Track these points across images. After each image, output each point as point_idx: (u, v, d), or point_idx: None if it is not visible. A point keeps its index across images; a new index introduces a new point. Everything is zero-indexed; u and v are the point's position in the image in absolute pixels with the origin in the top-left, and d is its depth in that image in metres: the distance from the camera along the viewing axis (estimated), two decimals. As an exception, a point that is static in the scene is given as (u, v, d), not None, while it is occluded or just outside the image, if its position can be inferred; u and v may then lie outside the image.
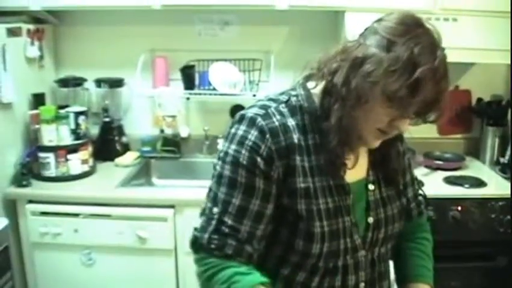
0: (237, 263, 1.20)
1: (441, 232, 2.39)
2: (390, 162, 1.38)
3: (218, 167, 1.26)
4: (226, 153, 1.25)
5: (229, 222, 1.20)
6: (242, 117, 1.27)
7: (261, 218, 1.23)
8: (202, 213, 1.26)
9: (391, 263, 1.52)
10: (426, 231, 1.58)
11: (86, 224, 2.54)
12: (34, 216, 2.56)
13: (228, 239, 1.20)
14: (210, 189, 1.27)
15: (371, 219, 1.33)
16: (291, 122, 1.26)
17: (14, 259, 2.63)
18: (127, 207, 2.54)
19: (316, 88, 1.29)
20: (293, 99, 1.30)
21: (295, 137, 1.25)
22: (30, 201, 2.58)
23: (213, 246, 1.21)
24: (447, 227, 2.55)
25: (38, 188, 2.63)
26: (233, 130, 1.27)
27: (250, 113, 1.26)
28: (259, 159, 1.21)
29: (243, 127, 1.25)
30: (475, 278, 2.70)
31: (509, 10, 2.62)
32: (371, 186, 1.35)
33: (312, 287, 1.31)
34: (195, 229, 1.26)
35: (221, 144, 1.30)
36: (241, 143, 1.23)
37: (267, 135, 1.22)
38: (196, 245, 1.24)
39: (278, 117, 1.25)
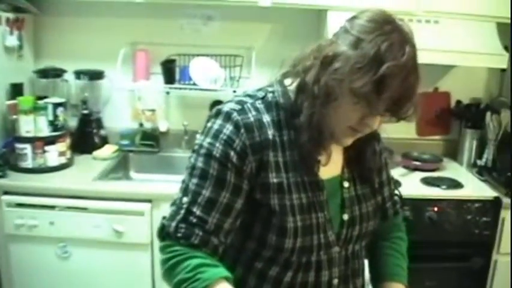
0: (202, 253, 1.20)
1: (417, 232, 2.41)
2: (365, 161, 1.38)
3: (192, 159, 1.27)
4: (200, 145, 1.26)
5: (198, 212, 1.21)
6: (218, 112, 1.28)
7: (230, 211, 1.23)
8: (173, 204, 1.27)
9: (366, 262, 1.53)
10: (401, 230, 1.59)
11: (63, 216, 2.51)
12: (10, 208, 2.52)
13: (195, 229, 1.20)
14: (183, 181, 1.28)
15: (345, 216, 1.34)
16: (266, 118, 1.27)
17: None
18: (104, 201, 2.51)
19: (292, 85, 1.30)
20: (269, 95, 1.31)
21: (270, 132, 1.26)
22: (6, 193, 2.54)
23: (179, 234, 1.21)
24: (423, 227, 2.57)
25: (14, 179, 2.60)
26: (209, 124, 1.28)
27: (226, 107, 1.27)
28: (232, 153, 1.22)
29: (218, 121, 1.26)
30: (450, 278, 2.72)
31: (497, 15, 2.66)
32: (345, 184, 1.36)
33: (285, 281, 1.31)
34: (163, 218, 1.27)
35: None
36: (216, 136, 1.24)
37: (242, 130, 1.23)
38: (163, 232, 1.24)
39: (254, 112, 1.26)
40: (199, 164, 1.24)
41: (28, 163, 2.67)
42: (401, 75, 1.10)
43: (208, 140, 1.25)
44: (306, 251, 1.28)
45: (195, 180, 1.24)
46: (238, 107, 1.27)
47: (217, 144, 1.23)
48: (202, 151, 1.25)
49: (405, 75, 1.11)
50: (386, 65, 1.09)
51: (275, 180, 1.25)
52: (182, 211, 1.22)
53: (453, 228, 2.62)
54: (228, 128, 1.24)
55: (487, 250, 2.68)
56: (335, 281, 1.35)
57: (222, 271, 1.19)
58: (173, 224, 1.22)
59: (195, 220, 1.21)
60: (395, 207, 1.55)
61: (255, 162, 1.23)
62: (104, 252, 2.56)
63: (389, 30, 1.13)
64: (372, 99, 1.12)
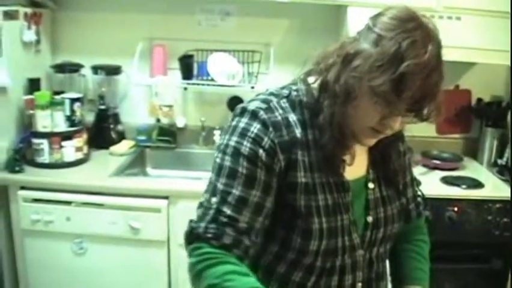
0: (234, 257, 1.15)
1: (437, 232, 2.35)
2: (390, 162, 1.36)
3: (218, 159, 1.23)
4: (226, 145, 1.23)
5: (228, 212, 1.17)
6: (244, 110, 1.25)
7: (261, 210, 1.20)
8: (200, 206, 1.23)
9: (387, 264, 1.51)
10: (423, 233, 1.56)
11: (79, 212, 2.51)
12: (26, 203, 2.52)
13: (226, 228, 1.16)
14: (210, 182, 1.24)
15: (370, 218, 1.31)
16: (292, 117, 1.25)
17: (4, 246, 2.62)
18: (120, 197, 2.50)
19: (315, 83, 1.27)
20: (294, 93, 1.29)
21: (298, 131, 1.23)
22: (23, 188, 2.54)
23: (209, 235, 1.16)
24: (443, 228, 2.53)
25: (30, 175, 2.60)
26: (234, 123, 1.25)
27: (252, 106, 1.25)
28: (261, 151, 1.19)
29: (245, 119, 1.23)
30: (469, 279, 2.68)
31: (510, 11, 2.60)
32: (370, 185, 1.33)
33: (309, 286, 1.29)
34: (191, 221, 1.22)
35: (218, 136, 1.28)
36: (243, 134, 1.21)
37: (270, 128, 1.21)
38: (192, 235, 1.19)
39: (280, 111, 1.24)
40: (227, 163, 1.20)
41: (45, 158, 2.67)
42: (422, 74, 1.06)
43: (235, 138, 1.22)
44: (330, 254, 1.26)
45: (223, 180, 1.20)
46: (264, 105, 1.24)
47: (245, 143, 1.20)
48: (229, 150, 1.21)
49: (427, 74, 1.07)
50: (406, 63, 1.05)
51: (303, 180, 1.22)
52: (212, 211, 1.18)
53: (473, 229, 2.57)
54: (256, 126, 1.21)
55: (508, 251, 2.64)
56: (359, 285, 1.33)
57: (253, 281, 1.12)
58: (203, 224, 1.17)
59: (225, 220, 1.17)
60: (418, 209, 1.52)
61: (284, 161, 1.21)
62: (120, 249, 2.55)
63: (411, 28, 1.09)
64: (391, 99, 1.08)
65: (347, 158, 1.27)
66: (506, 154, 2.96)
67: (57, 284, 2.62)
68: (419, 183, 1.59)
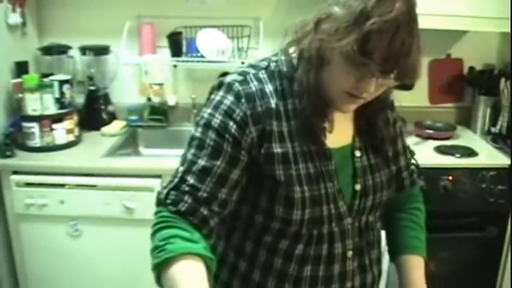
0: (187, 225, 1.18)
1: (431, 202, 2.34)
2: (377, 130, 1.34)
3: (193, 130, 1.26)
4: (201, 117, 1.25)
5: (191, 181, 1.20)
6: (221, 84, 1.26)
7: (225, 181, 1.21)
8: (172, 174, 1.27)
9: (383, 233, 1.50)
10: (418, 201, 1.55)
11: (72, 194, 2.50)
12: (19, 188, 2.51)
13: (184, 196, 1.19)
14: (183, 152, 1.27)
15: (358, 186, 1.30)
16: (269, 88, 1.24)
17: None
18: (113, 178, 2.50)
19: (295, 53, 1.26)
20: (273, 64, 1.28)
21: (273, 102, 1.23)
22: (15, 172, 2.53)
23: (168, 201, 1.20)
24: (437, 197, 2.54)
25: (22, 159, 2.58)
26: (212, 96, 1.27)
27: (228, 79, 1.25)
28: (231, 123, 1.20)
29: (220, 93, 1.24)
30: (465, 248, 2.70)
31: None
32: (357, 153, 1.32)
33: (297, 254, 1.28)
34: (162, 187, 1.26)
35: (203, 111, 1.28)
36: (216, 107, 1.23)
37: (243, 100, 1.21)
38: (157, 200, 1.25)
39: (255, 82, 1.24)
40: (197, 134, 1.23)
41: (36, 142, 2.64)
42: (388, 32, 1.03)
43: (209, 111, 1.24)
44: (316, 223, 1.25)
45: (192, 150, 1.23)
46: (240, 77, 1.25)
47: (217, 115, 1.21)
48: (202, 122, 1.24)
49: (394, 32, 1.03)
50: (372, 20, 1.02)
51: (279, 150, 1.22)
52: (176, 179, 1.22)
53: (468, 197, 2.58)
54: (229, 99, 1.21)
55: (503, 219, 2.65)
56: (349, 253, 1.32)
57: (194, 247, 1.13)
58: (165, 191, 1.22)
59: (187, 188, 1.20)
60: (412, 177, 1.51)
61: (257, 132, 1.21)
62: (115, 230, 2.55)
63: None
64: (360, 60, 1.05)
65: (326, 125, 1.26)
66: (500, 122, 2.96)
67: (54, 267, 2.62)
68: (413, 153, 1.58)
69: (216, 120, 1.21)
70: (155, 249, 1.13)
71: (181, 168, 1.23)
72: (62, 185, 2.50)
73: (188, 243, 1.14)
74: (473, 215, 2.63)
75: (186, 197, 1.19)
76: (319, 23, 1.13)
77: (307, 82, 1.19)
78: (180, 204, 1.19)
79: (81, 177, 2.50)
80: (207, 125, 1.22)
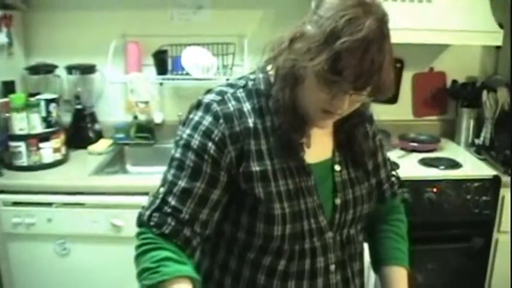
0: (173, 245, 1.20)
1: (417, 214, 2.41)
2: (356, 144, 1.36)
3: (172, 151, 1.28)
4: (180, 137, 1.26)
5: (173, 202, 1.21)
6: (199, 104, 1.27)
7: (205, 202, 1.23)
8: (153, 195, 1.28)
9: (366, 246, 1.52)
10: (400, 212, 1.56)
11: (60, 213, 2.49)
12: (6, 207, 2.50)
13: (167, 218, 1.21)
14: (164, 172, 1.28)
15: (338, 201, 1.32)
16: (246, 107, 1.26)
17: (-14, 250, 2.59)
18: (101, 196, 2.49)
19: (271, 70, 1.28)
20: (250, 83, 1.30)
21: (251, 121, 1.24)
22: (2, 192, 2.52)
23: (152, 223, 1.22)
24: (423, 209, 2.56)
25: (9, 178, 2.58)
26: (191, 116, 1.28)
27: (206, 99, 1.27)
28: (210, 143, 1.22)
29: (199, 113, 1.26)
30: (452, 259, 2.72)
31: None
32: (337, 167, 1.33)
33: (280, 270, 1.30)
34: (142, 207, 1.27)
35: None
36: (195, 127, 1.24)
37: (221, 121, 1.22)
38: (139, 221, 1.26)
39: (233, 102, 1.25)
40: (177, 155, 1.25)
41: (23, 161, 2.65)
42: (358, 50, 1.04)
43: (188, 131, 1.25)
44: (297, 238, 1.27)
45: (172, 171, 1.24)
46: (218, 97, 1.26)
47: (196, 136, 1.23)
48: (181, 142, 1.25)
49: (364, 50, 1.05)
50: (342, 40, 1.04)
51: (258, 169, 1.23)
52: (158, 200, 1.23)
53: (453, 209, 2.60)
54: (208, 119, 1.23)
55: (488, 229, 2.68)
56: (332, 267, 1.34)
57: (186, 269, 1.17)
58: (148, 212, 1.23)
59: (169, 210, 1.21)
60: (393, 189, 1.53)
61: (235, 151, 1.22)
62: (104, 247, 2.54)
63: (351, 5, 1.08)
64: (332, 78, 1.07)
65: (305, 140, 1.28)
66: (483, 133, 3.00)
67: (43, 286, 2.61)
68: (397, 167, 1.60)
69: (195, 141, 1.22)
70: (146, 271, 1.16)
71: (162, 190, 1.24)
72: (49, 204, 2.49)
73: (180, 265, 1.17)
74: (458, 226, 2.65)
75: (169, 219, 1.21)
76: (292, 42, 1.15)
77: (283, 100, 1.21)
78: (164, 226, 1.21)
79: (68, 195, 2.50)
80: (187, 146, 1.23)
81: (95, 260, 2.56)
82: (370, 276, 1.98)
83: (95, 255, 2.56)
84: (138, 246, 1.22)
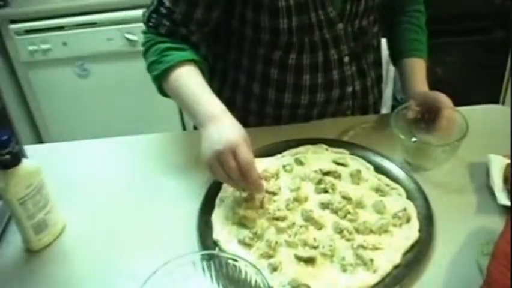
0: (172, 40, 1.24)
1: (436, 5, 2.34)
2: None
3: None
4: None
5: (167, 3, 1.22)
6: None
7: (196, 2, 1.21)
8: None
9: (383, 40, 1.50)
10: (419, 3, 1.50)
11: (74, 35, 2.49)
12: (20, 36, 2.49)
13: (163, 19, 1.24)
14: None
15: None
16: None
17: (9, 83, 2.62)
18: (112, 12, 2.47)
19: None
20: None
21: None
22: (13, 22, 2.49)
23: (150, 24, 1.26)
24: (442, 0, 2.47)
25: (18, 6, 2.52)
26: None
27: None
28: None
29: None
30: (472, 52, 2.70)
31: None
32: None
33: (291, 64, 1.31)
34: (146, 7, 1.29)
35: None
36: None
37: None
38: (143, 21, 1.29)
39: None
40: None
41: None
42: None
43: None
44: (305, 30, 1.26)
45: None
46: None
47: None
48: None
49: None
50: None
51: None
52: (156, 2, 1.25)
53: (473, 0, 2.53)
54: None
55: (509, 21, 2.61)
56: (346, 59, 1.34)
57: (187, 54, 1.21)
58: (147, 13, 1.27)
59: (164, 11, 1.23)
60: None
61: None
62: (122, 65, 2.56)
63: None
64: None
65: None
66: None
67: (69, 108, 2.69)
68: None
69: None
70: (153, 63, 1.22)
71: None
72: (62, 28, 2.48)
73: (181, 52, 1.21)
74: (479, 18, 2.59)
75: (165, 20, 1.23)
76: None
77: None
78: (160, 27, 1.24)
79: (80, 16, 2.47)
80: None
81: (117, 78, 2.61)
82: (389, 70, 1.97)
83: (115, 73, 2.60)
84: (143, 44, 1.27)
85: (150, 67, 1.23)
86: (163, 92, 1.24)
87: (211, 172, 1.06)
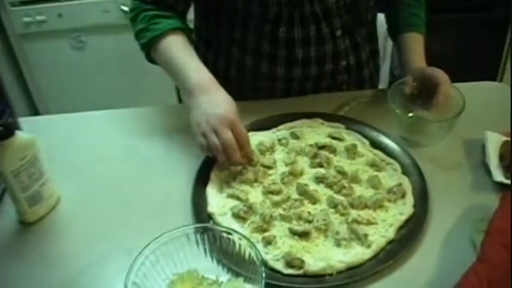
0: (159, 8, 1.26)
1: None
2: None
3: None
4: None
5: None
6: None
7: None
8: None
9: (380, 15, 1.50)
10: None
11: (69, 7, 2.46)
12: (14, 7, 2.46)
13: None
14: None
15: None
16: None
17: (4, 55, 2.59)
18: (106, -18, 2.44)
19: None
20: None
21: None
22: (7, -8, 2.46)
23: None
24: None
25: (12, -23, 2.49)
26: None
27: None
28: None
29: None
30: (470, 29, 2.67)
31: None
32: None
33: (281, 37, 1.31)
34: None
35: None
36: None
37: None
38: None
39: None
40: None
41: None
42: None
43: None
44: (295, 3, 1.25)
45: None
46: None
47: None
48: None
49: None
50: None
51: None
52: None
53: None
54: None
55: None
56: (339, 32, 1.33)
57: (175, 22, 1.23)
58: None
59: None
60: None
61: None
62: (118, 37, 2.53)
63: None
64: None
65: None
66: None
67: (64, 81, 2.67)
68: None
69: None
70: (141, 31, 1.25)
71: None
72: (57, -1, 2.45)
73: (169, 20, 1.23)
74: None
75: None
76: None
77: None
78: None
79: (74, -13, 2.44)
80: None
81: (113, 50, 2.58)
82: (387, 46, 1.96)
83: (110, 46, 2.58)
84: (130, 11, 1.30)
85: (138, 35, 1.26)
86: (151, 59, 1.27)
87: (200, 144, 1.08)
